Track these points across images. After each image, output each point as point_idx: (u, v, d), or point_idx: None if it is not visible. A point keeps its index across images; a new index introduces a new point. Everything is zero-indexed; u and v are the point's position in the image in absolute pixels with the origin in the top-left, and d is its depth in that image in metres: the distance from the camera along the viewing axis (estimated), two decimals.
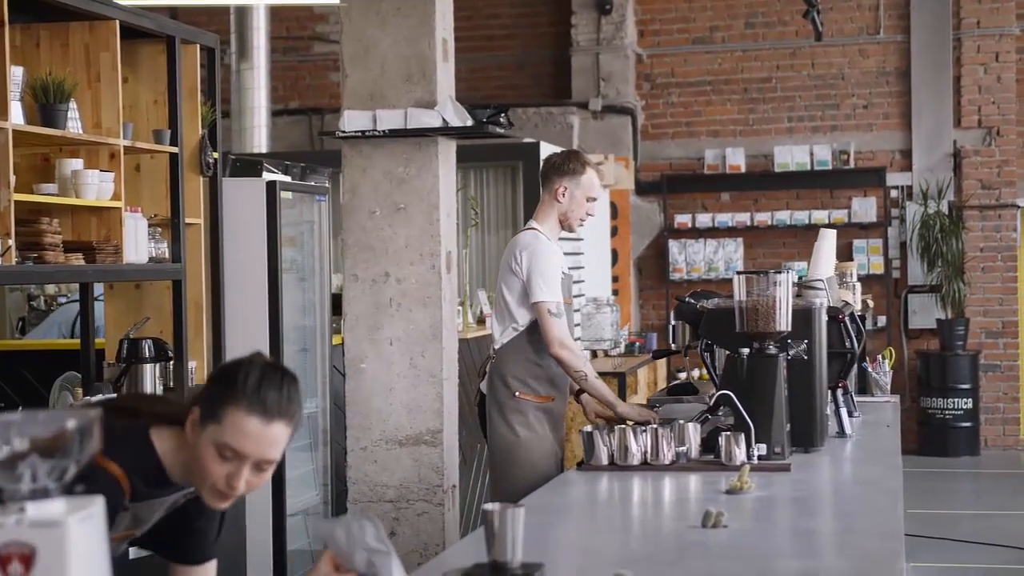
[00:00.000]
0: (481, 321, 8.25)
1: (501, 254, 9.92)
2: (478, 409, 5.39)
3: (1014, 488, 11.15)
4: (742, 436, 4.23)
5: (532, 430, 5.11)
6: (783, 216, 12.73)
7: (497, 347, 5.22)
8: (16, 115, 4.68)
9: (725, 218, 12.84)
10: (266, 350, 6.29)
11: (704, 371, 12.40)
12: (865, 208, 12.62)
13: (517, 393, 5.14)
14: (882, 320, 12.54)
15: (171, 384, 5.60)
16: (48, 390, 5.81)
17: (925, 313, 12.55)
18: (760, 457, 4.27)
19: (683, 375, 12.28)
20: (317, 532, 5.78)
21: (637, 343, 10.93)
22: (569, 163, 5.25)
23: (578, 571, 2.94)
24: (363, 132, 5.86)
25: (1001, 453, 12.46)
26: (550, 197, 5.25)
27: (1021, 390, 12.70)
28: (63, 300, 8.70)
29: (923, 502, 9.91)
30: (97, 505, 1.81)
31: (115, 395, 4.91)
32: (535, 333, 5.13)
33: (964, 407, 12.22)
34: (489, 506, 2.75)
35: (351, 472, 5.67)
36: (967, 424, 12.25)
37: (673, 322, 5.20)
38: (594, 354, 10.12)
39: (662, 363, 11.18)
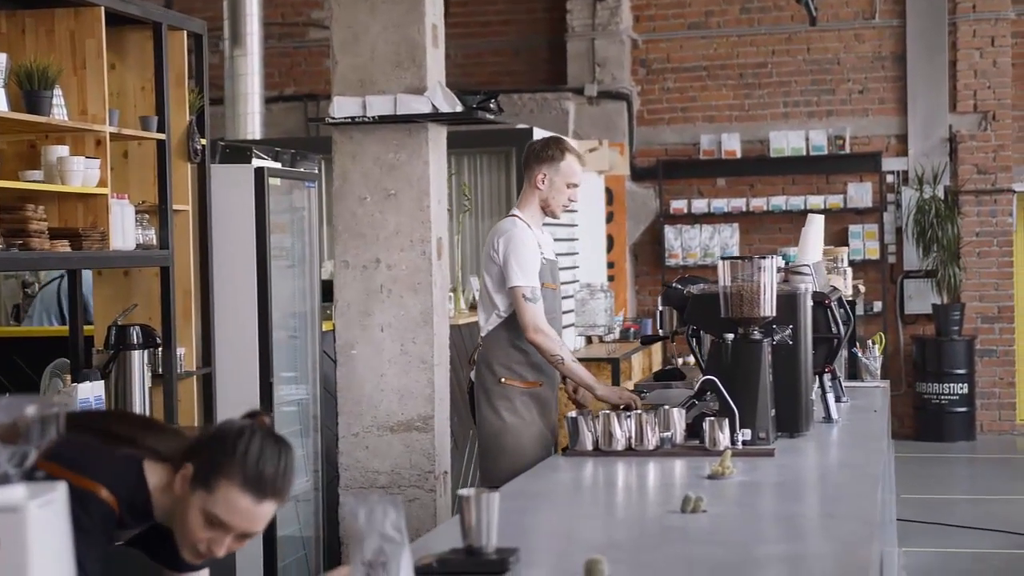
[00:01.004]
0: (473, 307, 8.24)
1: None
2: (469, 397, 5.41)
3: (1009, 473, 11.16)
4: (726, 421, 4.23)
5: (519, 416, 5.11)
6: (779, 202, 12.72)
7: (483, 335, 5.24)
8: (0, 102, 4.67)
9: (721, 204, 12.84)
10: (255, 336, 6.30)
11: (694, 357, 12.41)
12: (861, 193, 12.61)
13: (503, 379, 5.15)
14: (878, 305, 12.53)
15: (159, 371, 5.60)
16: (40, 376, 5.82)
17: (921, 298, 12.55)
18: (745, 442, 4.27)
19: (679, 361, 12.30)
20: (344, 506, 5.77)
21: (632, 329, 10.94)
22: (548, 150, 5.25)
23: (554, 556, 2.95)
24: (353, 118, 5.86)
25: (996, 438, 12.46)
26: (530, 184, 5.26)
27: (1016, 375, 12.70)
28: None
29: (919, 487, 9.93)
30: (59, 491, 1.81)
31: (112, 411, 4.79)
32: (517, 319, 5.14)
33: (960, 392, 12.22)
34: (464, 492, 2.76)
35: (342, 458, 5.67)
36: (963, 409, 12.25)
37: (660, 308, 5.19)
38: (588, 340, 10.13)
39: (657, 349, 11.18)
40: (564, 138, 5.49)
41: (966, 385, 12.24)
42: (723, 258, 4.46)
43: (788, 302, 4.56)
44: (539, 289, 5.10)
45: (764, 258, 4.43)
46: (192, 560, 2.65)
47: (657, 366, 10.85)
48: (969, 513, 9.06)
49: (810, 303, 4.71)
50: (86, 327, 5.80)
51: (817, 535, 3.11)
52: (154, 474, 2.64)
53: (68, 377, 5.50)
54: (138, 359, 5.45)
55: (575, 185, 5.27)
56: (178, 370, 5.65)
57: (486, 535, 2.76)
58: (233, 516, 2.56)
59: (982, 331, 12.55)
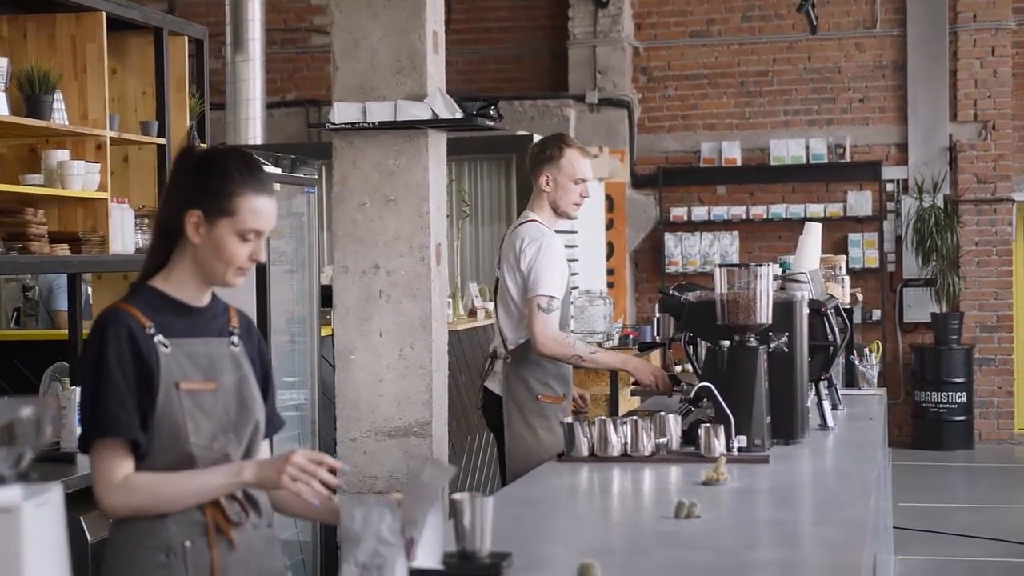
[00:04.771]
0: (472, 313, 8.26)
1: (494, 246, 10.02)
2: (489, 408, 5.26)
3: (1007, 482, 11.17)
4: (721, 428, 4.24)
5: (553, 432, 5.03)
6: (779, 210, 12.74)
7: (511, 346, 5.12)
8: (1, 106, 4.70)
9: (721, 211, 12.86)
10: None
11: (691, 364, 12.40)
12: (860, 202, 12.62)
13: (540, 396, 5.07)
14: (877, 314, 12.55)
15: None
16: (39, 380, 5.83)
17: (920, 307, 12.56)
18: (740, 449, 4.28)
19: (679, 368, 12.31)
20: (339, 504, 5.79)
21: (631, 336, 10.95)
22: (546, 150, 5.19)
23: (547, 561, 2.96)
24: (353, 124, 5.88)
25: (995, 447, 12.47)
26: (537, 188, 5.20)
27: (1015, 384, 12.72)
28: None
29: (916, 495, 9.94)
30: (54, 492, 1.83)
31: None
32: None
33: (958, 401, 12.24)
34: (458, 496, 2.77)
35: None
36: (961, 418, 12.27)
37: (658, 314, 5.20)
38: None
39: (656, 356, 11.19)
40: (564, 134, 5.37)
41: (965, 394, 12.26)
42: (720, 265, 4.47)
43: (784, 310, 4.57)
44: (558, 300, 5.01)
45: (760, 266, 4.44)
46: (236, 280, 2.85)
47: None
48: (967, 521, 9.07)
49: (806, 311, 4.73)
50: (85, 331, 5.82)
51: (809, 541, 3.13)
52: (157, 280, 2.86)
53: (67, 380, 5.51)
54: None
55: (583, 180, 5.15)
56: None
57: (479, 539, 2.77)
58: (260, 220, 2.82)
59: (981, 340, 12.57)
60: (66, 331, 5.97)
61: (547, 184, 5.16)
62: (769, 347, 4.47)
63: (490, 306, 8.21)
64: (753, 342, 4.44)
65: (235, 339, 2.94)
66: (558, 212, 5.20)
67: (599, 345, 10.20)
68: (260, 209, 2.82)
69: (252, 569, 2.86)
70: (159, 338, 2.80)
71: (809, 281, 5.15)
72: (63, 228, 5.12)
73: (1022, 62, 12.64)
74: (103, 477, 2.76)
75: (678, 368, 11.30)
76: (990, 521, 9.12)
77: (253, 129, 10.27)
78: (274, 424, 3.03)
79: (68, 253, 4.95)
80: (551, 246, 5.07)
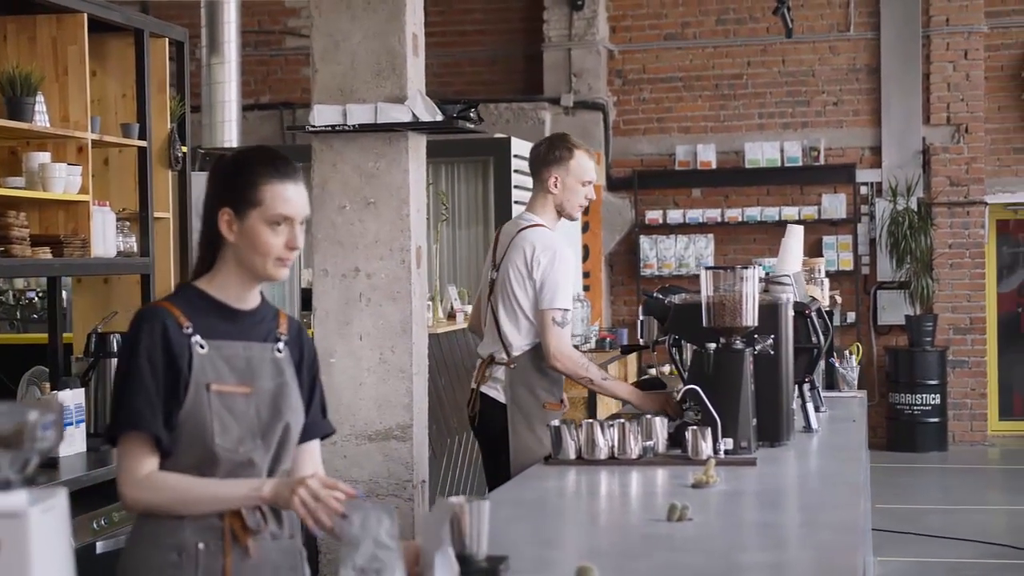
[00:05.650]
0: (451, 316, 8.24)
1: (471, 249, 10.01)
2: (477, 416, 5.11)
3: (982, 483, 11.24)
4: (708, 431, 4.24)
5: None
6: (754, 212, 12.78)
7: (516, 353, 5.01)
8: None
9: (696, 214, 12.88)
10: None
11: (673, 366, 12.45)
12: (835, 205, 12.68)
13: (546, 404, 5.00)
14: (851, 316, 12.60)
15: None
16: (16, 384, 5.78)
17: (894, 309, 12.62)
18: (727, 452, 4.28)
19: (652, 370, 12.33)
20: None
21: (608, 339, 10.95)
22: (555, 150, 5.08)
23: (543, 564, 2.95)
24: (333, 127, 5.86)
25: (968, 448, 12.54)
26: (543, 189, 5.10)
27: (988, 386, 12.79)
28: (32, 295, 8.65)
29: (891, 497, 9.98)
30: (60, 497, 1.82)
31: None
32: None
33: (932, 403, 12.30)
34: (455, 499, 2.76)
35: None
36: (935, 420, 12.33)
37: (641, 317, 5.19)
38: None
39: (632, 359, 11.21)
40: (568, 135, 5.30)
41: (938, 396, 12.32)
42: (706, 268, 4.47)
43: (770, 312, 4.57)
44: (571, 313, 4.95)
45: (746, 268, 4.45)
46: (278, 274, 2.87)
47: (633, 376, 10.87)
48: (942, 523, 9.12)
49: (791, 313, 4.74)
50: (65, 335, 5.78)
51: (802, 544, 3.13)
52: (201, 282, 2.89)
53: (47, 385, 5.47)
54: None
55: (589, 182, 5.09)
56: None
57: (477, 543, 2.76)
58: (287, 205, 2.85)
59: (955, 342, 12.63)
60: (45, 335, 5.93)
61: (555, 185, 5.06)
62: (755, 349, 4.47)
63: (468, 308, 8.19)
64: (739, 344, 4.44)
65: (280, 345, 2.94)
66: (562, 214, 5.13)
67: (576, 349, 10.19)
68: (285, 195, 2.85)
69: None
70: (196, 338, 2.82)
71: (793, 284, 5.16)
72: (44, 231, 5.09)
73: (994, 65, 12.71)
74: (126, 471, 2.79)
75: (653, 371, 11.34)
76: (966, 522, 9.17)
77: (229, 132, 10.23)
78: (321, 429, 3.03)
79: (50, 256, 4.91)
80: (565, 257, 4.99)
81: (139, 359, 2.77)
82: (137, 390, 2.77)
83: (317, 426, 3.02)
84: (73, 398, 5.05)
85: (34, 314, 9.07)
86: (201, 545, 2.78)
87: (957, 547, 8.38)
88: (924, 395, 12.28)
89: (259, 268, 2.86)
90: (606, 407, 8.68)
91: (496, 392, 5.09)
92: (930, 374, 12.30)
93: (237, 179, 2.87)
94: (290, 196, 2.86)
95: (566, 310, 4.92)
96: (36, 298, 9.10)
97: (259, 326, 2.93)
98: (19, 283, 8.27)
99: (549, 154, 5.10)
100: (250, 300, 2.93)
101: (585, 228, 12.22)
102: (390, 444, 5.73)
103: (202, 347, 2.82)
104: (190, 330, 2.82)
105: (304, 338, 3.03)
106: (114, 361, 5.43)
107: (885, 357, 12.61)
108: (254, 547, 2.83)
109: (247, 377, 2.86)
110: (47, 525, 1.78)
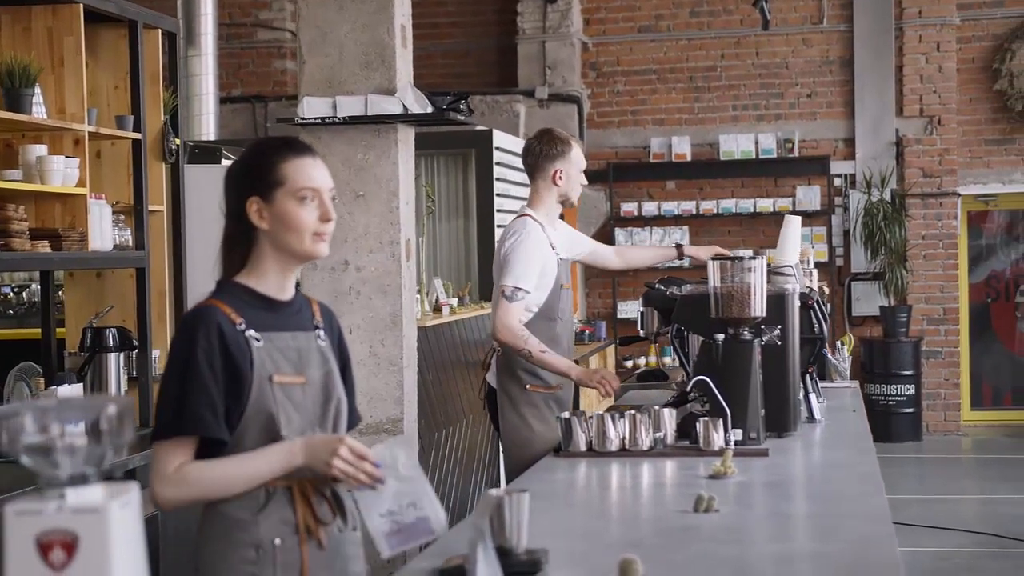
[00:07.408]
0: (437, 309, 8.21)
1: (454, 242, 9.98)
2: (486, 402, 5.32)
3: (956, 473, 11.31)
4: (720, 422, 4.24)
5: (545, 422, 5.07)
6: (728, 204, 12.80)
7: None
8: None
9: (671, 206, 12.89)
10: None
11: (655, 358, 12.45)
12: (809, 196, 12.72)
13: (528, 386, 5.11)
14: (827, 308, 12.63)
15: (135, 374, 5.53)
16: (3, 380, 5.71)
17: (868, 300, 12.68)
18: (736, 442, 4.28)
19: (629, 363, 12.34)
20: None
21: (586, 332, 10.96)
22: (556, 145, 5.23)
23: (580, 556, 2.94)
24: (323, 119, 5.82)
25: (943, 438, 12.62)
26: (546, 183, 5.22)
27: (961, 376, 12.88)
28: (7, 290, 8.57)
29: None
30: (133, 492, 1.79)
31: None
32: (539, 323, 5.08)
33: (907, 393, 12.36)
34: (495, 491, 2.74)
35: None
36: (909, 410, 12.40)
37: (641, 309, 5.18)
38: None
39: (611, 351, 11.22)
40: (554, 129, 5.44)
41: (913, 386, 12.39)
42: (713, 258, 4.46)
43: (776, 302, 4.58)
44: (523, 292, 5.05)
45: (754, 258, 4.45)
46: (318, 247, 2.84)
47: (612, 367, 10.88)
48: (918, 512, 9.16)
49: (797, 303, 4.74)
50: (58, 330, 5.72)
51: (836, 534, 3.12)
52: (241, 277, 2.86)
53: (40, 381, 5.41)
54: (114, 362, 5.38)
55: (583, 168, 5.35)
56: (154, 373, 5.57)
57: (516, 535, 2.75)
58: (311, 178, 2.84)
59: (928, 332, 12.71)
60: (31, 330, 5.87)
61: (559, 178, 5.23)
62: (762, 340, 4.47)
63: (455, 302, 8.20)
64: (747, 335, 4.44)
65: (321, 333, 2.93)
66: (565, 203, 5.29)
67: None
68: (306, 168, 2.85)
69: (337, 570, 2.85)
70: (250, 332, 2.79)
71: (794, 274, 5.16)
72: (41, 224, 5.03)
73: (967, 58, 12.78)
74: (159, 470, 2.76)
75: (628, 363, 11.34)
76: (942, 511, 9.22)
77: (207, 124, 10.15)
78: (352, 419, 2.99)
79: (49, 250, 4.85)
80: (528, 236, 5.09)
81: (198, 363, 2.73)
82: (198, 395, 2.73)
83: (352, 414, 3.00)
84: (72, 392, 5.00)
85: (9, 309, 8.99)
86: (277, 541, 2.76)
87: (933, 536, 8.43)
88: (899, 386, 12.34)
89: (297, 248, 2.83)
90: (586, 400, 8.68)
91: (492, 378, 5.26)
92: (904, 365, 12.37)
93: (256, 167, 2.86)
94: (311, 168, 2.86)
95: (517, 288, 5.01)
96: (12, 293, 9.02)
97: (298, 315, 2.91)
98: (18, 276, 8.20)
99: (551, 149, 5.24)
100: (288, 290, 2.92)
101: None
102: (380, 437, 5.71)
103: (258, 340, 2.79)
104: (243, 326, 2.79)
105: (335, 324, 3.03)
106: (110, 356, 5.38)
107: (860, 348, 12.67)
108: (326, 539, 2.82)
109: (300, 367, 2.85)
110: (124, 519, 1.76)
